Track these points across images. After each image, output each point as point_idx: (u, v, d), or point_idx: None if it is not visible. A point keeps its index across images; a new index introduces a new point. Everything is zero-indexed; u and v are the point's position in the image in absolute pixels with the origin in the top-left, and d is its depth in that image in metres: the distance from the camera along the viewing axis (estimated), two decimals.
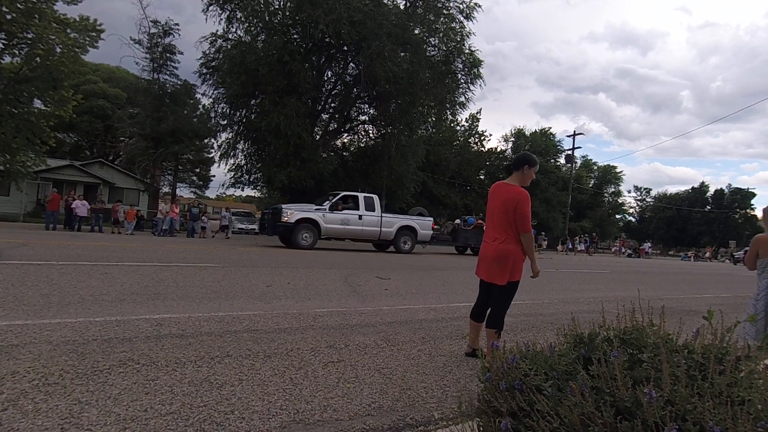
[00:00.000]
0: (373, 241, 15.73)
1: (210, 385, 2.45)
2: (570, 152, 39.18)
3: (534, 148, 42.94)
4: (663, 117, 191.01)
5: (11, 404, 2.02)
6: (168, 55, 28.43)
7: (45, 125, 18.97)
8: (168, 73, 29.00)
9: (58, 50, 17.87)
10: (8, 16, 16.36)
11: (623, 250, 37.80)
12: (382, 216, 15.27)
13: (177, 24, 28.26)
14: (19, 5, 16.33)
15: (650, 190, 68.66)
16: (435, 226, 19.73)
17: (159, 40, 27.84)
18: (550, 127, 45.24)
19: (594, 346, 1.56)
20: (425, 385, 2.76)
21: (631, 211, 65.00)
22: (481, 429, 1.41)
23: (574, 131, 37.75)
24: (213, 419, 2.05)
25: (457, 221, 20.97)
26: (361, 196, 15.30)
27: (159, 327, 3.55)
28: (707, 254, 42.53)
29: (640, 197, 66.51)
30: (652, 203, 65.77)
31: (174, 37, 28.40)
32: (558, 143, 44.76)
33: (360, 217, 14.77)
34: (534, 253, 3.21)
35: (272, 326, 3.89)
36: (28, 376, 2.36)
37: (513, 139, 45.47)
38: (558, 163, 45.28)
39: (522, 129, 45.40)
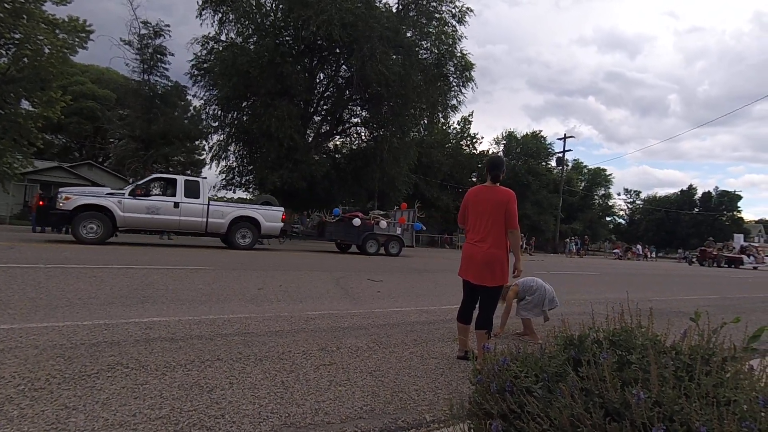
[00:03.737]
0: (201, 235, 13.15)
1: (200, 389, 2.42)
2: (561, 155, 39.59)
3: (525, 151, 43.25)
4: (651, 120, 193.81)
5: None
6: (158, 56, 28.19)
7: (32, 126, 18.69)
8: (158, 74, 28.75)
9: (47, 51, 17.64)
10: None
11: (619, 253, 38.17)
12: (209, 204, 12.73)
13: (168, 25, 28.01)
14: (6, 5, 16.10)
15: (639, 192, 69.61)
16: (291, 219, 18.08)
17: (149, 41, 27.59)
18: (541, 130, 45.84)
19: (584, 347, 1.58)
20: (417, 387, 2.76)
21: (621, 213, 65.83)
22: (473, 431, 1.41)
23: (565, 134, 38.10)
24: (203, 423, 2.03)
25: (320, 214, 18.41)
26: (180, 179, 12.60)
27: (148, 330, 3.51)
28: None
29: (629, 200, 67.40)
30: (641, 206, 66.61)
31: (165, 38, 28.17)
32: (549, 146, 45.14)
33: (176, 204, 12.08)
34: (519, 250, 3.31)
35: (264, 329, 3.86)
36: (14, 381, 2.32)
37: (504, 142, 45.73)
38: (549, 166, 45.63)
39: (513, 132, 45.68)
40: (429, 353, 3.55)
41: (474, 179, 45.48)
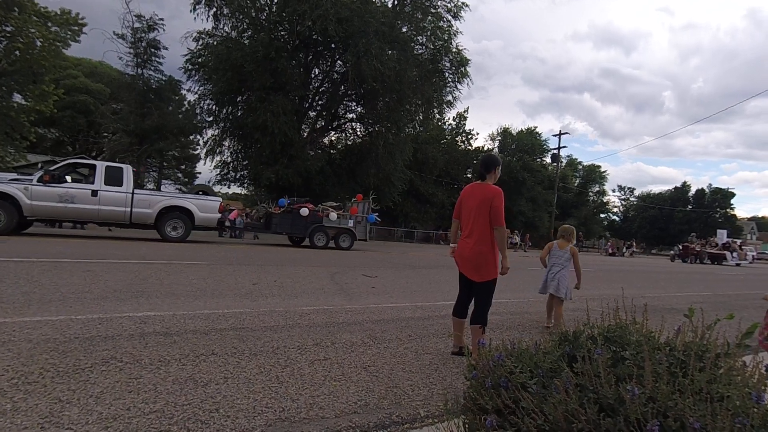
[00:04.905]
0: (126, 226, 12.18)
1: (195, 384, 2.42)
2: (556, 151, 39.67)
3: (521, 147, 43.33)
4: (646, 117, 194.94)
5: None
6: (152, 50, 27.93)
7: (25, 120, 18.51)
8: (152, 68, 28.50)
9: (39, 44, 17.44)
10: None
11: (611, 250, 38.34)
12: (133, 192, 11.66)
13: (162, 19, 27.78)
14: None
15: (634, 189, 70.03)
16: (241, 210, 17.26)
17: (143, 35, 27.30)
18: (536, 126, 45.92)
19: (578, 344, 1.59)
20: (411, 382, 2.77)
21: (615, 210, 66.24)
22: (467, 426, 1.42)
23: (560, 131, 38.10)
24: (197, 417, 2.02)
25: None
26: (100, 165, 11.57)
27: (143, 325, 3.49)
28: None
29: (624, 197, 67.80)
30: (635, 202, 67.06)
31: (158, 32, 27.89)
32: (544, 142, 45.25)
33: (94, 193, 11.08)
34: (505, 248, 3.29)
35: (258, 324, 3.85)
36: (7, 375, 2.30)
37: (500, 138, 45.80)
38: (544, 162, 45.77)
39: (508, 128, 45.74)
40: (423, 349, 3.56)
41: (469, 175, 45.54)
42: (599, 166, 56.70)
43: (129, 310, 3.96)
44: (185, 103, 31.47)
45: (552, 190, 40.66)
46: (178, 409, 2.09)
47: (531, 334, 4.32)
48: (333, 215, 14.94)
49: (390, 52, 23.33)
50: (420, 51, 26.36)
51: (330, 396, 2.43)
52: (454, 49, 26.55)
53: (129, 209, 11.57)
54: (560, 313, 4.62)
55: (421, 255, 16.28)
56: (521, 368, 1.37)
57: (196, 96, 26.74)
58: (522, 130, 45.38)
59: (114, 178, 11.46)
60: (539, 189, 42.61)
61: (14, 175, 11.09)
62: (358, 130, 31.11)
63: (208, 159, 27.42)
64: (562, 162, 45.57)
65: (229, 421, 2.02)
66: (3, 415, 1.88)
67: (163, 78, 29.07)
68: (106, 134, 35.83)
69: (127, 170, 11.83)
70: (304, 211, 14.41)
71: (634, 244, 43.50)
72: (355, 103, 29.26)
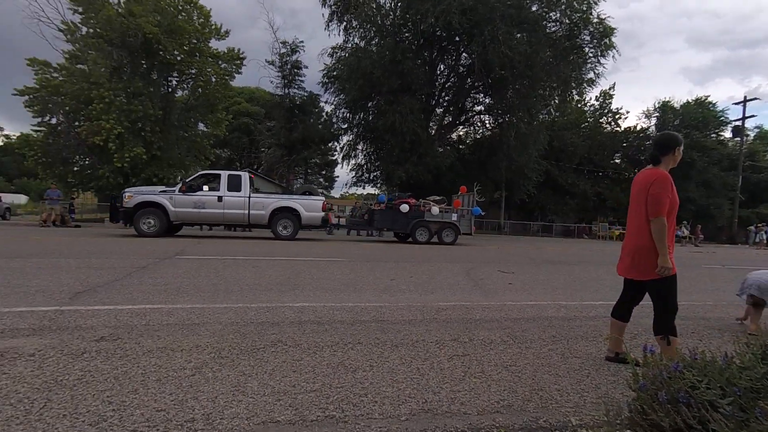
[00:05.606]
0: (246, 226, 13.44)
1: (345, 369, 2.65)
2: (739, 123, 32.24)
3: (687, 123, 36.43)
4: None
5: (197, 371, 2.48)
6: (295, 70, 31.57)
7: (207, 144, 22.81)
8: (296, 86, 32.23)
9: (213, 80, 21.25)
10: (178, 58, 20.01)
11: None
12: (250, 196, 13.01)
13: (302, 41, 31.29)
14: (184, 48, 19.85)
15: None
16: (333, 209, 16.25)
17: (288, 58, 31.06)
18: (708, 96, 37.77)
19: None
20: (558, 387, 2.57)
21: None
22: None
23: (744, 97, 30.81)
24: (349, 400, 2.22)
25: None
26: (224, 174, 13.09)
27: (300, 314, 3.97)
28: None
29: None
30: None
31: (300, 53, 31.38)
32: (720, 114, 37.17)
33: (220, 198, 12.70)
34: (664, 243, 2.72)
35: (398, 317, 4.03)
36: (207, 350, 2.86)
37: (657, 114, 39.23)
38: (721, 138, 37.60)
39: (669, 101, 38.81)
40: (570, 351, 3.27)
41: (617, 160, 40.22)
42: None
43: (288, 300, 4.54)
44: (323, 114, 34.81)
45: (734, 171, 33.25)
46: (333, 391, 2.32)
47: (711, 344, 3.61)
48: (435, 209, 14.69)
49: (519, 35, 22.04)
50: (553, 28, 24.26)
51: (471, 392, 2.41)
52: (594, 20, 23.76)
53: (248, 211, 12.99)
54: (758, 320, 3.77)
55: (560, 250, 14.99)
56: (707, 383, 1.15)
57: (332, 106, 29.33)
58: (688, 102, 38.13)
59: (234, 184, 12.97)
60: (715, 170, 35.18)
61: (163, 188, 13.03)
62: (486, 122, 30.17)
63: (344, 163, 29.82)
64: (748, 135, 37.01)
65: (376, 407, 2.16)
66: (207, 382, 2.35)
67: (305, 94, 32.63)
68: (263, 149, 41.79)
69: (245, 177, 13.27)
70: (404, 208, 14.47)
71: None
72: (482, 95, 28.44)
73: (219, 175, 13.17)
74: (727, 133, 36.90)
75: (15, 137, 22.41)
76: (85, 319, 3.44)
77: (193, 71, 20.84)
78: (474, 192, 16.32)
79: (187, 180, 13.05)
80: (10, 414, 1.89)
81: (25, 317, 3.43)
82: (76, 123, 19.12)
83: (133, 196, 12.19)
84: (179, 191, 12.45)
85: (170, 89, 21.45)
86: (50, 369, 2.42)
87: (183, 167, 21.88)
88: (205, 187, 13.06)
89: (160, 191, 12.56)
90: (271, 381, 2.40)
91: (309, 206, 13.53)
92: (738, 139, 34.13)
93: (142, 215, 12.08)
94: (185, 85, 21.96)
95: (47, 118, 19.05)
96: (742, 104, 31.62)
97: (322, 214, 13.82)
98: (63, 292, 4.37)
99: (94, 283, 4.86)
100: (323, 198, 14.19)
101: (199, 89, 21.36)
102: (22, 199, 36.54)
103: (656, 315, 2.82)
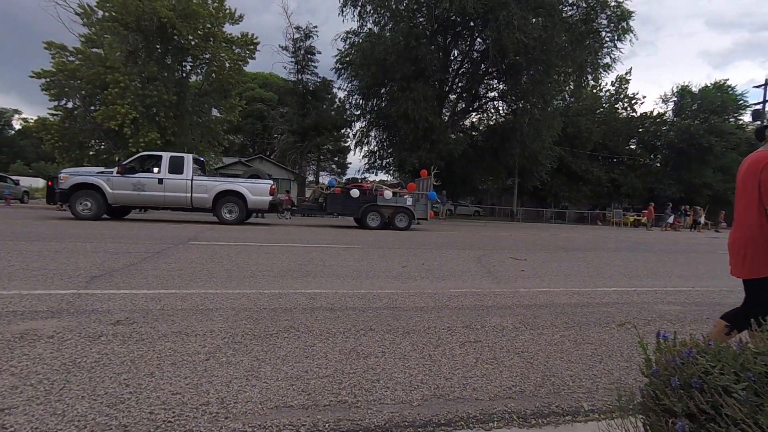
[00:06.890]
0: (189, 210, 12.91)
1: (357, 355, 2.68)
2: (759, 107, 31.16)
3: (705, 107, 35.42)
4: None
5: (211, 356, 2.53)
6: (309, 56, 31.35)
7: (220, 130, 22.92)
8: (309, 72, 32.04)
9: (227, 65, 21.24)
10: (192, 42, 20.02)
11: None
12: (192, 179, 12.48)
13: (315, 26, 30.95)
14: (199, 32, 19.83)
15: None
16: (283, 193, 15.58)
17: (301, 43, 30.85)
18: (727, 79, 36.44)
19: None
20: (571, 373, 2.57)
21: None
22: (647, 428, 1.24)
23: (766, 80, 29.68)
24: (362, 386, 2.24)
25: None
26: (165, 156, 12.60)
27: (312, 300, 4.02)
28: None
29: None
30: None
31: (313, 38, 31.12)
32: (740, 97, 36.03)
33: (160, 181, 12.21)
34: None
35: (409, 304, 4.05)
36: (221, 335, 2.92)
37: (675, 99, 38.20)
38: (740, 122, 36.55)
39: (687, 85, 37.68)
40: (583, 338, 3.26)
41: (632, 146, 39.40)
42: None
43: (300, 287, 4.60)
44: (336, 100, 34.67)
45: None
46: (345, 377, 2.35)
47: None
48: (388, 193, 14.42)
49: (534, 19, 21.51)
50: (570, 12, 23.62)
51: (483, 378, 2.42)
52: (612, 3, 23.04)
53: (190, 194, 12.56)
54: None
55: (573, 236, 14.82)
56: (721, 369, 1.13)
57: (345, 92, 29.16)
58: (706, 86, 36.98)
59: (176, 166, 12.53)
60: (733, 155, 34.30)
61: (101, 169, 12.59)
62: (500, 108, 29.72)
63: (357, 149, 29.78)
64: (767, 118, 35.72)
65: (389, 392, 2.19)
66: (221, 366, 2.40)
67: (318, 80, 32.47)
68: (275, 135, 41.92)
69: (188, 159, 12.75)
70: (355, 192, 14.26)
71: None
72: (496, 81, 27.98)
73: (160, 156, 12.74)
74: (747, 117, 35.80)
75: (33, 121, 22.60)
76: (102, 303, 3.53)
77: (207, 56, 20.83)
78: (431, 177, 15.89)
79: (124, 162, 12.63)
80: (31, 394, 1.96)
81: (44, 300, 3.53)
82: (92, 107, 19.35)
83: (69, 177, 11.82)
84: (116, 173, 12.12)
85: (184, 74, 21.50)
86: (68, 351, 2.49)
87: (197, 153, 22.10)
88: (156, 169, 12.64)
89: (98, 172, 12.24)
90: (284, 366, 2.44)
91: (255, 190, 13.08)
92: (758, 123, 32.94)
93: (78, 197, 11.78)
94: (199, 71, 21.99)
95: (64, 101, 19.26)
96: (762, 87, 30.47)
97: (270, 198, 13.32)
98: (80, 275, 4.49)
99: (110, 268, 4.98)
100: (271, 182, 13.73)
101: (213, 74, 21.36)
102: (40, 182, 37.33)
103: (743, 310, 2.40)
